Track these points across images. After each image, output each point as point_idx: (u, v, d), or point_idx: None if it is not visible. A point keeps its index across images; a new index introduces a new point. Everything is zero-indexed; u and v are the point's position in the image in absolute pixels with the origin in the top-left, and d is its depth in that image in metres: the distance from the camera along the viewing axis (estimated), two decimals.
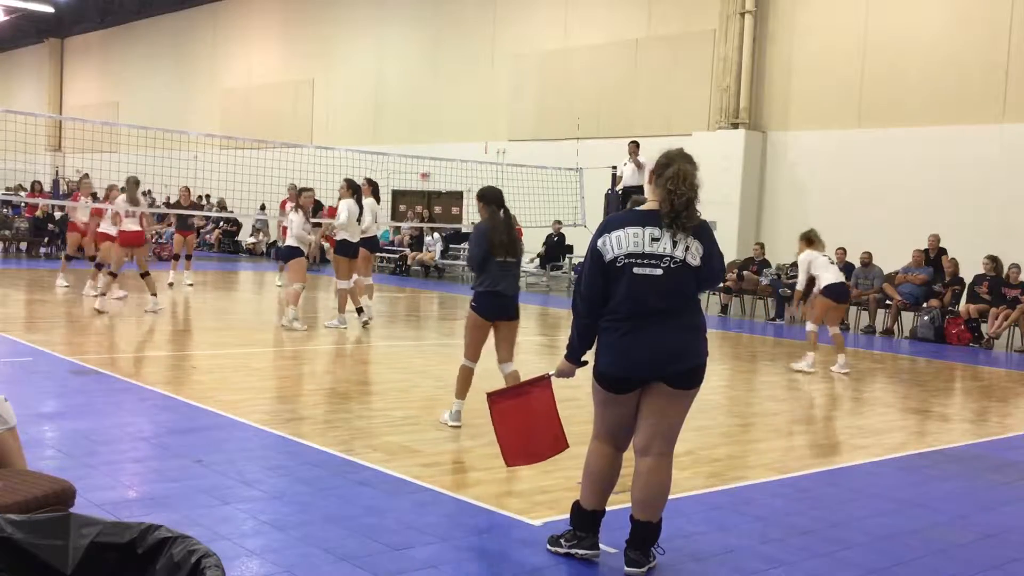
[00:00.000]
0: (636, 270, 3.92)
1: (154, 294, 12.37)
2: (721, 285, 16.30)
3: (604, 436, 4.19)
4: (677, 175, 3.95)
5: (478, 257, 6.43)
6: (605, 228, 4.06)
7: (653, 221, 3.98)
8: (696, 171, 4.03)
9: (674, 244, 3.93)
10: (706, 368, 4.10)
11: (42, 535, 2.28)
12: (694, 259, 3.95)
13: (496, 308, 6.45)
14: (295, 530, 4.39)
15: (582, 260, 4.19)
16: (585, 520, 4.20)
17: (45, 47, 40.42)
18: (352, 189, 11.92)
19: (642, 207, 4.12)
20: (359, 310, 12.15)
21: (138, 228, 12.43)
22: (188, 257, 16.48)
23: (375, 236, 12.67)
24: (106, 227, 13.53)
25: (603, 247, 3.99)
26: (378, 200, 12.65)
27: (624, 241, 3.96)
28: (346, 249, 11.81)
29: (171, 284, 15.77)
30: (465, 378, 6.62)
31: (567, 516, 4.87)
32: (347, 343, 10.93)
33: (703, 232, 4.02)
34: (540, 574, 4.05)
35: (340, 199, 12.01)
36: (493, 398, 4.77)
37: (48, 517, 2.34)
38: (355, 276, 12.16)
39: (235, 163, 18.78)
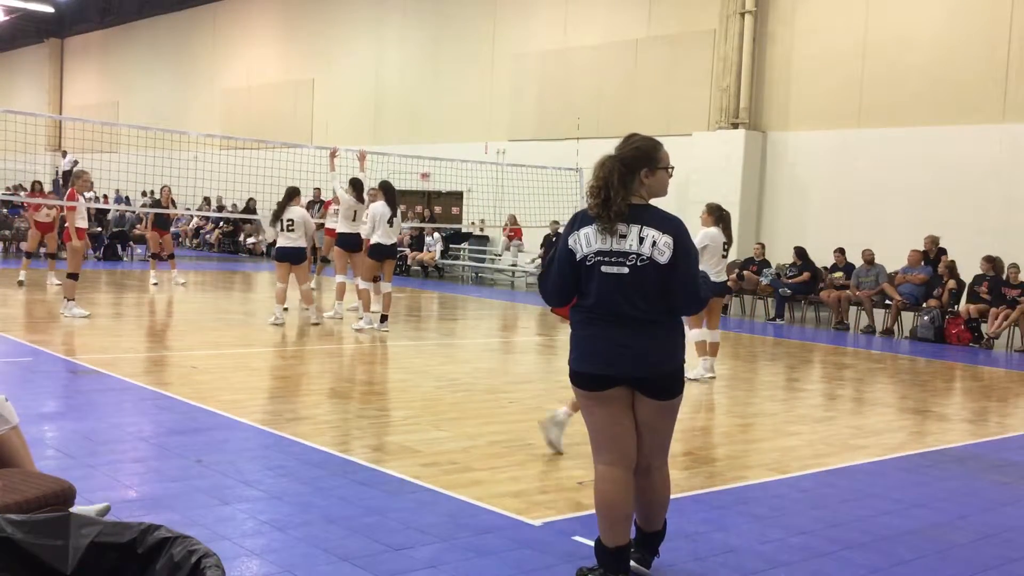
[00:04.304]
0: (604, 268, 3.77)
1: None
2: None
3: (606, 452, 3.85)
4: (597, 166, 3.93)
5: None
6: (575, 224, 3.90)
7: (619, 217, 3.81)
8: (623, 157, 3.91)
9: (640, 240, 3.75)
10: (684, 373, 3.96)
11: (42, 535, 2.28)
12: (661, 255, 3.72)
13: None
14: (295, 530, 4.39)
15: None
16: (610, 559, 3.83)
17: (45, 47, 40.41)
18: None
19: None
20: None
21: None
22: (171, 256, 16.63)
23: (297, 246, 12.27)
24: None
25: (574, 245, 3.84)
26: (307, 207, 12.34)
27: (592, 238, 3.81)
28: (372, 250, 11.73)
29: (155, 283, 15.86)
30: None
31: (567, 516, 4.85)
32: (347, 343, 10.93)
33: (677, 229, 3.80)
34: (540, 574, 4.05)
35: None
36: None
37: (48, 517, 2.34)
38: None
39: (235, 163, 18.81)
